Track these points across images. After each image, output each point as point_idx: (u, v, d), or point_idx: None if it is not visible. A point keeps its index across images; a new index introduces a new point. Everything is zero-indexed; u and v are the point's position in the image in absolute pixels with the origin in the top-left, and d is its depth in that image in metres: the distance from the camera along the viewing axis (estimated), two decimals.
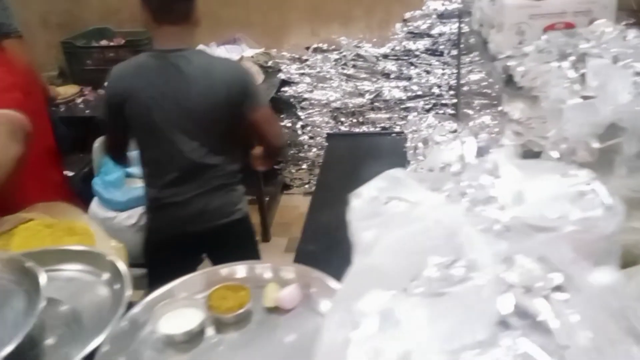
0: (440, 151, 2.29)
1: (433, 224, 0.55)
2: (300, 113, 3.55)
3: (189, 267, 1.95)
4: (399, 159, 2.58)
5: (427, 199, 0.69)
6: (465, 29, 2.75)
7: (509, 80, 1.17)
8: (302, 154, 3.69)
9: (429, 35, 3.23)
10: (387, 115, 3.43)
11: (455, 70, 3.24)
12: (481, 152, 0.91)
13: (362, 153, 2.76)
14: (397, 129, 3.36)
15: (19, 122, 1.32)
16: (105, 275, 1.00)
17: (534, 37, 1.34)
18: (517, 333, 0.49)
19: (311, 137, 3.63)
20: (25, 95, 1.41)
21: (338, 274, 1.04)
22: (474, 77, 3.09)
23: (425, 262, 0.53)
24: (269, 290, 0.91)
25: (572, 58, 1.09)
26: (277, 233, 3.45)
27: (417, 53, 3.26)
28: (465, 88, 3.11)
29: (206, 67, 1.80)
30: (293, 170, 3.76)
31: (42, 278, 0.94)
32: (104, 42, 3.41)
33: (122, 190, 2.54)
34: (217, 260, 1.62)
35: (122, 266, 0.97)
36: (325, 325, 0.52)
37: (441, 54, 3.23)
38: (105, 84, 1.84)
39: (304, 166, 3.73)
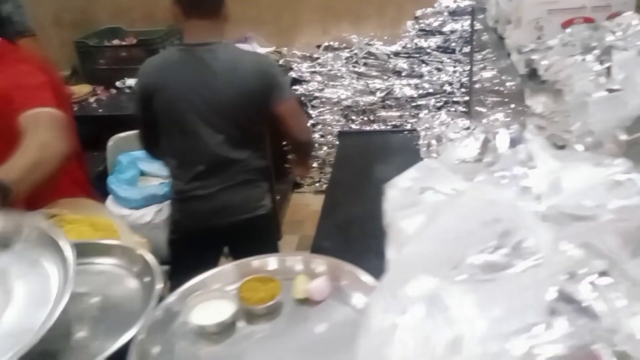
0: (455, 148, 2.30)
1: (476, 210, 0.56)
2: (311, 111, 3.56)
3: (211, 260, 2.00)
4: (412, 156, 2.58)
5: (462, 189, 0.69)
6: (478, 26, 2.74)
7: (532, 74, 1.17)
8: (312, 153, 3.70)
9: (441, 33, 3.23)
10: (398, 113, 3.43)
11: (466, 68, 3.24)
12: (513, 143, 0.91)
13: (373, 151, 2.76)
14: (408, 126, 3.36)
15: (60, 119, 1.33)
16: (136, 269, 1.01)
17: (553, 33, 1.34)
18: (563, 318, 0.49)
19: (322, 136, 3.64)
20: (54, 93, 1.42)
21: None
22: (486, 74, 3.07)
23: (469, 248, 0.53)
24: (298, 282, 0.92)
25: (597, 51, 1.09)
26: (288, 231, 3.46)
27: (428, 50, 3.26)
28: (477, 85, 3.10)
29: (232, 60, 1.84)
30: None
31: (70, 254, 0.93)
32: (116, 42, 3.42)
33: (136, 188, 2.55)
34: (238, 254, 1.69)
35: (151, 259, 0.98)
36: (370, 311, 0.53)
37: (453, 51, 3.23)
38: (137, 79, 1.90)
39: (315, 165, 3.73)
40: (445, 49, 3.24)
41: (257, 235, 2.00)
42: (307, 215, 3.54)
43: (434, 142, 2.50)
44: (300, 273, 0.95)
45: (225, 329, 0.85)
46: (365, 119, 3.50)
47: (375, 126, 3.47)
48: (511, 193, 0.64)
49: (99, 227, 1.29)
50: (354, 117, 3.52)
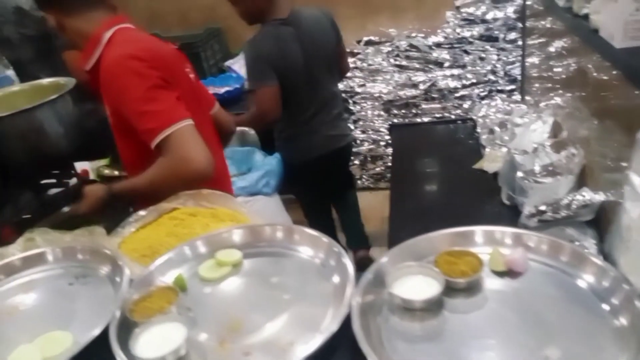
0: (529, 132, 2.28)
1: None
2: (352, 107, 3.54)
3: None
4: (469, 144, 2.57)
5: None
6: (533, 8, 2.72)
7: None
8: (354, 149, 3.66)
9: (484, 21, 3.21)
10: (440, 105, 3.41)
11: (510, 56, 3.23)
12: None
13: (429, 141, 2.75)
14: (452, 117, 3.35)
15: (183, 133, 1.36)
16: (322, 255, 0.98)
17: None
18: None
19: (363, 131, 3.61)
20: (166, 84, 1.43)
21: None
22: (532, 60, 3.07)
23: None
24: (495, 254, 0.89)
25: None
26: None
27: (470, 40, 3.24)
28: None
29: (311, 19, 2.30)
30: None
31: (125, 266, 1.00)
32: None
33: None
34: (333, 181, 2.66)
35: (337, 245, 0.95)
36: None
37: (496, 39, 3.21)
38: (252, 55, 2.24)
39: (357, 161, 3.71)
40: (488, 38, 3.22)
41: (343, 164, 2.75)
42: None
43: (496, 128, 2.48)
44: (494, 246, 0.92)
45: (431, 306, 0.83)
46: (407, 112, 3.48)
47: (417, 119, 3.45)
48: None
49: (223, 217, 1.26)
50: (395, 112, 3.50)
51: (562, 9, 2.06)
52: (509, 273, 0.88)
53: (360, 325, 0.76)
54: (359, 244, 2.98)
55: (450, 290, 0.85)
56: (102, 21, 1.46)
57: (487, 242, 0.93)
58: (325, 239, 0.99)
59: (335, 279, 0.91)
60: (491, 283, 0.87)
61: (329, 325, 0.78)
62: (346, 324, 0.79)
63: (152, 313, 0.85)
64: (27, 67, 2.53)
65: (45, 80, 2.18)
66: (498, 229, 0.94)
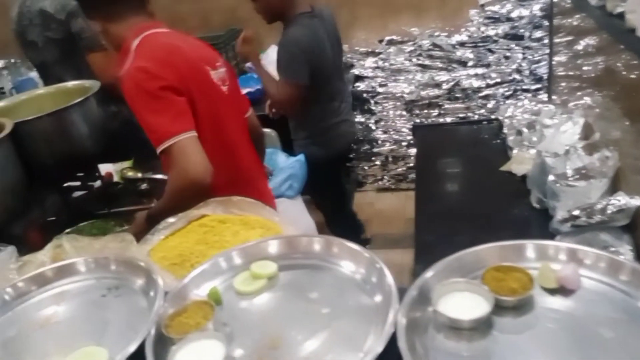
0: (559, 133, 2.22)
1: None
2: (373, 108, 3.50)
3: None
4: (495, 145, 2.52)
5: None
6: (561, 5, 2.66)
7: None
8: (375, 150, 3.63)
9: (509, 19, 3.14)
10: (464, 105, 3.35)
11: (536, 55, 3.16)
12: None
13: (453, 142, 2.70)
14: (475, 117, 3.29)
15: (183, 147, 1.36)
16: (362, 270, 0.94)
17: None
18: None
19: (384, 132, 3.57)
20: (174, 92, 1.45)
21: None
22: (558, 59, 3.00)
23: None
24: (545, 269, 0.85)
25: None
26: None
27: (495, 38, 3.18)
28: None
29: (328, 13, 2.43)
30: (366, 167, 3.70)
31: (160, 280, 0.97)
32: None
33: None
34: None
35: (380, 262, 0.91)
36: None
37: (521, 37, 3.14)
38: (293, 50, 2.27)
39: (378, 162, 3.67)
40: (513, 36, 3.15)
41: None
42: (372, 213, 3.45)
43: (524, 129, 2.42)
44: (542, 261, 0.87)
45: (479, 326, 0.79)
46: (430, 112, 3.43)
47: (440, 120, 3.40)
48: None
49: (253, 224, 1.23)
50: (417, 112, 3.45)
51: (593, 7, 2.00)
52: (560, 290, 0.83)
53: (407, 344, 0.73)
54: (358, 231, 3.02)
55: (498, 308, 0.80)
56: (137, 28, 1.48)
57: (537, 257, 0.89)
58: (366, 254, 0.95)
59: (377, 295, 0.87)
60: (542, 301, 0.82)
61: (373, 345, 0.75)
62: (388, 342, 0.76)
63: (188, 329, 0.83)
64: (51, 69, 2.56)
65: (70, 83, 2.19)
66: (551, 244, 0.89)
